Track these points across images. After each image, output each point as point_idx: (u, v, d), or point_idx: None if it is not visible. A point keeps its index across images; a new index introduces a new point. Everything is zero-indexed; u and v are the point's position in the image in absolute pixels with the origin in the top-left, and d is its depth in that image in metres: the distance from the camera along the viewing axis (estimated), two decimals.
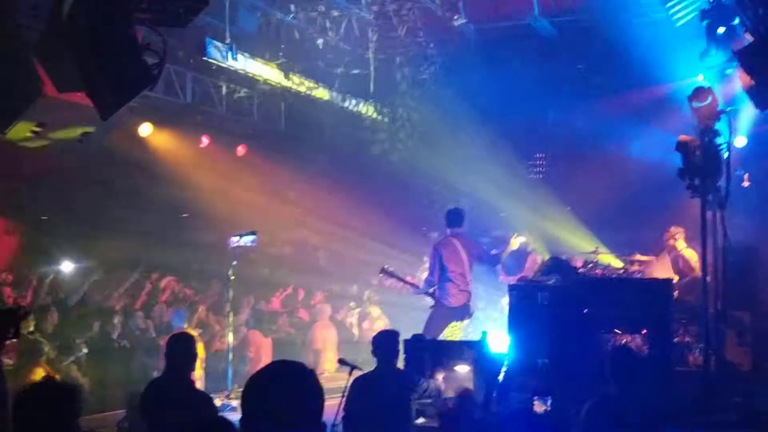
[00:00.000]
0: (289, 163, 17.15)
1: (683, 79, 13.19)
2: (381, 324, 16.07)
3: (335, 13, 15.52)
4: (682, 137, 10.29)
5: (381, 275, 13.13)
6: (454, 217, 12.65)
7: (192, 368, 7.28)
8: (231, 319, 12.92)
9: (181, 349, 7.07)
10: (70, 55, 7.30)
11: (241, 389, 6.88)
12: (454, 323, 12.30)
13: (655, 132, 14.35)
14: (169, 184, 16.13)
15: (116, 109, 7.02)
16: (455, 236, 12.52)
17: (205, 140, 16.29)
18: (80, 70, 7.11)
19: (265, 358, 14.24)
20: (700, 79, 12.47)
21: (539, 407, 9.32)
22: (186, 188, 16.34)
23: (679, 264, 12.53)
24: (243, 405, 3.17)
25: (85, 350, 11.92)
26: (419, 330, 11.29)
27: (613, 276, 12.14)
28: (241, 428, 3.17)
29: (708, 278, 10.37)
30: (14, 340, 4.44)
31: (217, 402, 9.24)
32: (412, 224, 18.37)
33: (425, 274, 13.06)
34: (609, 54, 15.07)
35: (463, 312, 12.48)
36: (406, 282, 13.06)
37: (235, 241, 13.19)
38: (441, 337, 11.87)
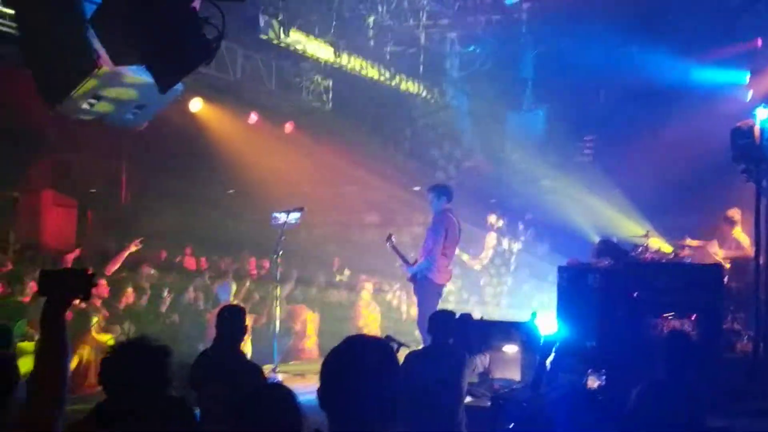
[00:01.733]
0: (337, 140, 17.17)
1: (741, 63, 12.99)
2: None
3: None
4: (739, 122, 10.16)
5: (387, 242, 12.95)
6: (449, 193, 12.34)
7: (241, 340, 7.34)
8: (277, 292, 12.97)
9: (232, 322, 7.12)
10: (128, 27, 7.33)
11: (285, 363, 6.95)
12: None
13: (710, 115, 14.16)
14: (218, 159, 16.24)
15: (174, 82, 7.05)
16: (451, 212, 12.31)
17: (253, 117, 16.35)
18: (138, 42, 7.14)
19: (311, 333, 14.33)
20: (759, 44, 12.27)
21: (593, 383, 9.30)
22: (234, 164, 16.44)
23: (732, 248, 12.37)
24: (323, 378, 3.17)
25: (133, 330, 12.04)
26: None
27: (664, 260, 12.04)
28: (318, 401, 3.16)
29: (761, 264, 10.24)
30: (83, 301, 4.43)
31: None
32: (459, 203, 18.29)
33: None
34: (663, 33, 14.88)
35: (441, 290, 12.36)
36: (401, 256, 12.82)
37: (280, 217, 13.22)
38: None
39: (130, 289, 12.52)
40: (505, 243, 16.08)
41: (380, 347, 3.26)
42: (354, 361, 3.17)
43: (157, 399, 4.18)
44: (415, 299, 12.71)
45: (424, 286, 12.00)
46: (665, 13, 14.67)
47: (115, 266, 13.19)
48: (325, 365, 3.20)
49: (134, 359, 4.45)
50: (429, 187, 12.63)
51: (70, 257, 12.56)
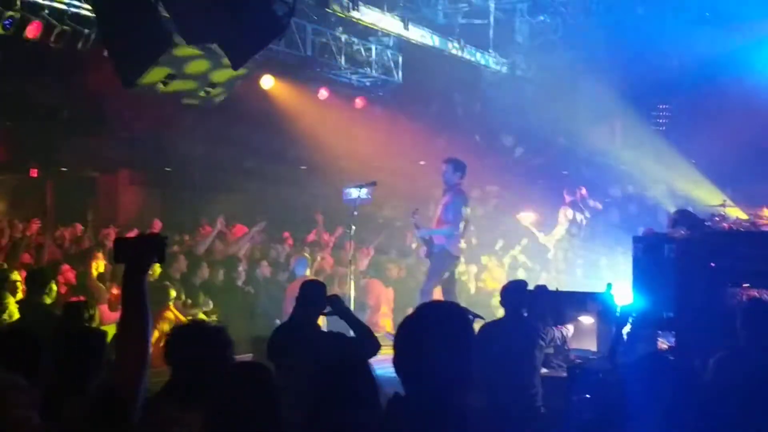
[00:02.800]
0: (408, 114, 17.16)
1: None
2: (496, 278, 16.02)
3: None
4: None
5: (412, 217, 13.02)
6: (464, 168, 12.41)
7: (319, 314, 7.42)
8: (352, 268, 13.05)
9: (313, 296, 7.21)
10: (199, 6, 7.44)
11: None
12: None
13: None
14: (289, 136, 16.36)
15: (248, 58, 7.16)
16: (464, 186, 12.48)
17: (324, 92, 16.41)
18: (210, 20, 7.24)
19: (385, 307, 14.38)
20: None
21: (663, 344, 9.22)
22: (305, 140, 16.55)
23: None
24: (396, 345, 3.17)
25: (211, 305, 12.23)
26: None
27: (742, 229, 11.80)
28: (394, 368, 3.16)
29: None
30: (158, 263, 4.54)
31: None
32: (532, 178, 18.22)
33: None
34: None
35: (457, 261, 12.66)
36: (420, 227, 12.87)
37: (351, 192, 13.28)
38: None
39: (205, 264, 12.70)
40: (578, 216, 15.93)
41: (453, 314, 3.24)
42: (427, 327, 3.15)
43: (221, 373, 4.27)
44: (484, 273, 12.73)
45: (443, 257, 12.24)
46: None
47: (205, 245, 13.47)
48: (398, 332, 3.20)
49: (192, 341, 4.57)
50: (446, 158, 12.63)
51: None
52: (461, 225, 12.28)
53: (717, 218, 11.95)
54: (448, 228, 12.26)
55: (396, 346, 3.17)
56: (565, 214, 15.54)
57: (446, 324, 3.15)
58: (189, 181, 18.31)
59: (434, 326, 3.14)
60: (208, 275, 12.62)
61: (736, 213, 12.47)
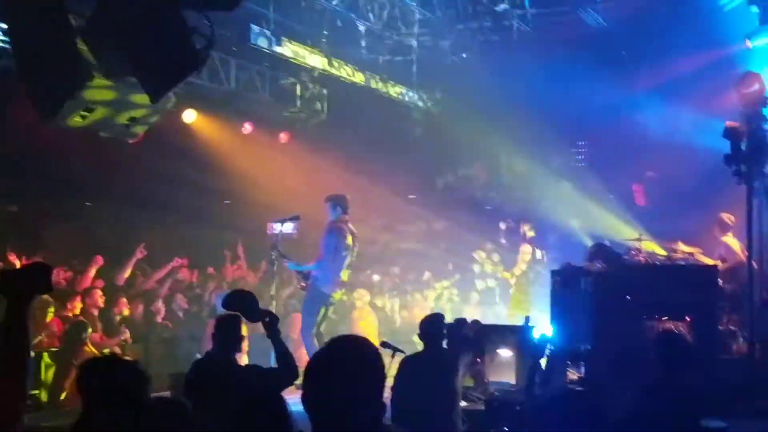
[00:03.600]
0: (332, 149, 17.19)
1: (731, 65, 13.03)
2: (422, 310, 16.09)
3: (377, 0, 15.52)
4: (729, 123, 10.22)
5: (271, 251, 13.11)
6: (344, 204, 12.68)
7: (237, 350, 7.37)
8: (273, 303, 12.99)
9: (227, 331, 7.16)
10: (118, 39, 7.39)
11: None
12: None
13: (700, 118, 14.22)
14: (213, 170, 16.26)
15: (165, 92, 7.12)
16: (344, 222, 12.65)
17: (248, 127, 16.37)
18: (128, 54, 7.20)
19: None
20: (749, 45, 12.36)
21: (572, 374, 9.34)
22: (229, 175, 16.47)
23: (722, 251, 12.39)
24: (304, 383, 3.10)
25: (127, 333, 12.06)
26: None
27: (657, 262, 12.07)
28: (304, 406, 3.09)
29: (754, 265, 10.29)
30: (46, 294, 4.46)
31: None
32: (454, 211, 18.38)
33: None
34: (655, 41, 14.97)
35: (328, 300, 12.72)
36: (287, 258, 12.99)
37: (275, 227, 13.27)
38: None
39: (124, 299, 12.53)
40: (538, 253, 16.04)
41: (361, 348, 3.18)
42: (334, 361, 3.10)
43: (133, 411, 4.20)
44: (407, 304, 12.82)
45: (311, 294, 12.50)
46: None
47: (124, 275, 13.27)
48: (307, 368, 3.13)
49: (105, 375, 4.49)
50: (326, 197, 12.90)
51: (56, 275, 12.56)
52: (339, 260, 12.43)
53: (633, 252, 12.20)
54: (314, 264, 12.49)
55: (304, 383, 3.11)
56: (525, 250, 15.63)
57: (351, 357, 3.11)
58: (111, 216, 18.04)
59: (340, 359, 3.10)
60: (127, 310, 12.45)
61: (651, 247, 12.73)
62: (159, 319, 12.92)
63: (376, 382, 3.14)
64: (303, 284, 12.84)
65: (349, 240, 12.62)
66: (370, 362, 3.14)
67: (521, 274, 15.65)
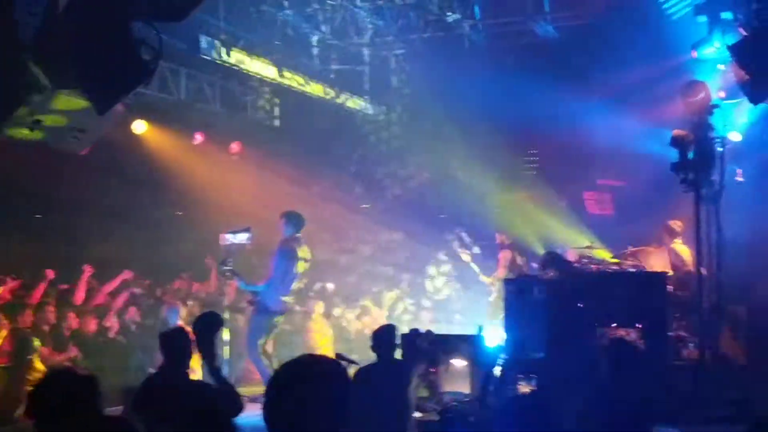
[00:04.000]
0: (284, 159, 17.12)
1: (677, 74, 13.20)
2: (376, 321, 16.07)
3: (329, 9, 15.52)
4: (676, 132, 10.36)
5: (222, 267, 13.01)
6: (297, 222, 12.51)
7: (187, 363, 7.26)
8: (227, 315, 12.90)
9: (176, 345, 7.06)
10: (66, 51, 7.30)
11: (237, 386, 6.83)
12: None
13: (649, 127, 14.38)
14: (163, 181, 16.11)
15: (113, 104, 7.04)
16: (296, 241, 12.45)
17: (198, 137, 16.26)
18: (76, 65, 7.11)
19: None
20: (694, 55, 12.55)
21: (524, 388, 9.38)
22: (181, 186, 16.32)
23: (672, 258, 12.53)
24: (267, 401, 3.07)
25: (75, 350, 11.91)
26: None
27: (609, 270, 12.16)
28: (265, 424, 3.06)
29: (703, 272, 10.42)
30: None
31: None
32: (405, 224, 18.39)
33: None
34: (605, 51, 15.13)
35: (275, 317, 12.57)
36: (239, 277, 12.90)
37: (228, 238, 13.16)
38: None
39: (72, 314, 12.36)
40: (519, 258, 16.07)
41: (328, 366, 3.17)
42: (299, 380, 3.08)
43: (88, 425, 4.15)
44: (362, 315, 12.77)
45: (258, 311, 12.31)
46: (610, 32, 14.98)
47: (81, 294, 13.10)
48: (269, 383, 3.11)
49: (60, 390, 4.42)
50: (282, 213, 12.74)
51: (4, 289, 12.39)
52: (288, 282, 12.31)
53: (585, 260, 12.29)
54: (263, 284, 12.37)
55: (266, 396, 3.08)
56: (505, 255, 15.65)
57: (318, 375, 3.10)
58: (61, 228, 17.79)
59: (307, 377, 3.09)
60: (78, 325, 12.28)
61: (603, 254, 12.83)
62: (112, 333, 12.75)
63: (339, 401, 3.10)
64: (250, 299, 12.71)
65: (300, 266, 12.44)
66: (334, 381, 3.11)
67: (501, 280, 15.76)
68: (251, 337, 12.26)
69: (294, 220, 12.46)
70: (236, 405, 6.60)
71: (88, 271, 13.27)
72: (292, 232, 12.38)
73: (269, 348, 12.50)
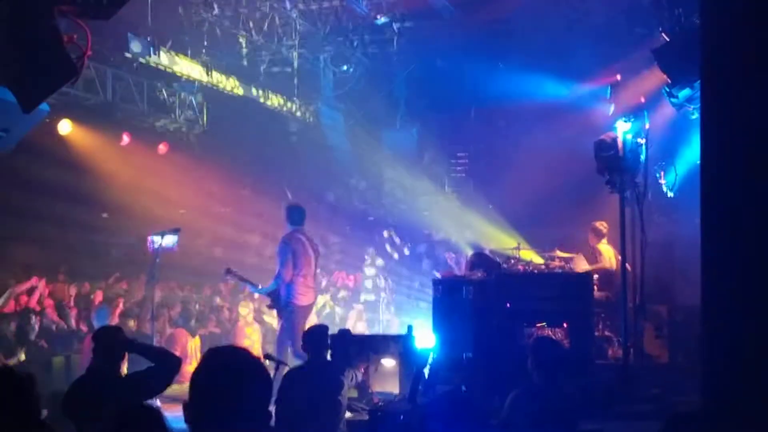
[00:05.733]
0: (212, 161, 17.02)
1: (601, 76, 13.45)
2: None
3: (258, 11, 15.47)
4: (603, 135, 10.53)
5: (226, 276, 12.85)
6: (299, 215, 12.09)
7: (119, 362, 7.17)
8: (154, 317, 12.77)
9: (108, 342, 6.96)
10: None
11: None
12: None
13: (576, 130, 14.62)
14: (89, 182, 15.89)
15: (38, 102, 6.90)
16: (301, 233, 12.04)
17: (125, 138, 16.06)
18: (1, 62, 6.97)
19: (191, 357, 14.12)
20: (618, 78, 12.75)
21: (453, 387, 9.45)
22: (106, 187, 16.11)
23: (596, 259, 12.75)
24: (190, 395, 3.04)
25: None
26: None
27: (535, 271, 12.34)
28: (188, 421, 3.04)
29: (627, 272, 10.62)
30: None
31: None
32: (336, 221, 18.43)
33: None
34: (528, 52, 15.34)
35: (310, 310, 12.31)
36: (247, 281, 12.76)
37: (155, 240, 12.99)
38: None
39: None
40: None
41: (243, 359, 3.14)
42: (216, 374, 3.06)
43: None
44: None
45: (290, 311, 11.73)
46: (532, 35, 15.16)
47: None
48: (191, 381, 3.08)
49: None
50: (286, 205, 12.47)
51: None
52: (301, 267, 11.74)
53: (512, 260, 12.46)
54: (273, 281, 11.88)
55: (189, 396, 3.05)
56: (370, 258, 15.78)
57: (237, 371, 3.07)
58: None
59: (225, 374, 3.06)
60: None
61: (529, 255, 13.01)
62: (33, 336, 12.53)
63: (260, 393, 3.10)
64: (269, 304, 12.35)
65: (308, 248, 11.93)
66: (253, 373, 3.10)
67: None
68: (280, 337, 11.84)
69: (292, 213, 12.19)
70: (172, 364, 6.62)
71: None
72: (292, 225, 12.09)
73: None
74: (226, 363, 3.10)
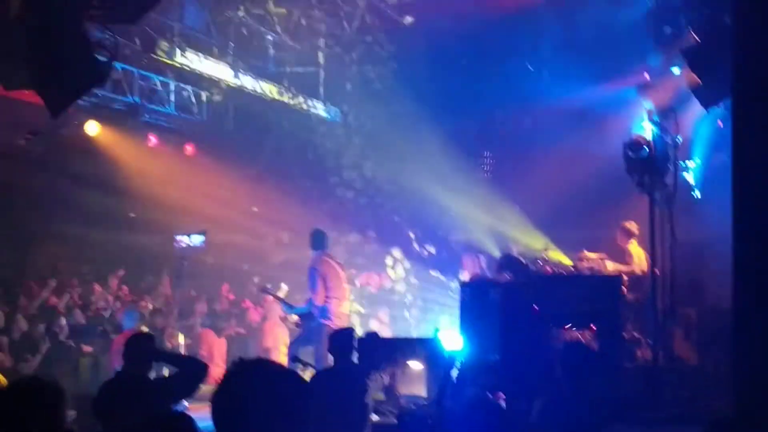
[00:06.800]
0: (238, 162, 17.03)
1: (628, 76, 13.35)
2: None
3: (284, 11, 15.48)
4: (633, 135, 10.45)
5: (262, 293, 13.06)
6: (322, 239, 12.48)
7: (150, 367, 7.22)
8: (188, 319, 12.84)
9: (139, 349, 7.00)
10: (18, 52, 7.19)
11: None
12: None
13: (603, 130, 14.52)
14: (117, 183, 15.96)
15: (66, 106, 6.94)
16: (329, 256, 12.46)
17: (152, 139, 16.11)
18: (29, 67, 7.01)
19: (218, 358, 14.16)
20: (647, 77, 12.66)
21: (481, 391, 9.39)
22: (134, 188, 16.17)
23: (626, 260, 12.66)
24: (215, 411, 2.86)
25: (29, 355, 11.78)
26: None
27: (563, 272, 12.26)
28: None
29: (656, 274, 10.53)
30: None
31: None
32: (359, 226, 18.42)
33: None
34: (557, 53, 15.26)
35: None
36: (282, 301, 12.95)
37: (183, 241, 13.07)
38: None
39: (20, 317, 12.20)
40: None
41: (278, 374, 2.96)
42: (247, 390, 2.85)
43: None
44: None
45: (320, 333, 11.81)
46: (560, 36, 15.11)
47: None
48: (215, 392, 2.89)
49: (23, 401, 4.33)
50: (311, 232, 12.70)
51: None
52: (330, 290, 12.09)
53: (540, 262, 12.38)
54: (306, 304, 12.24)
55: (213, 408, 2.88)
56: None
57: (267, 385, 2.88)
58: (12, 230, 17.56)
59: (253, 388, 2.86)
60: (27, 328, 12.13)
61: (558, 257, 12.93)
62: (62, 337, 12.60)
63: (303, 403, 2.90)
64: (297, 322, 12.57)
65: (338, 271, 12.39)
66: (291, 384, 2.93)
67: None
68: (295, 343, 12.04)
69: (315, 238, 12.41)
70: (199, 371, 6.64)
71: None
72: (317, 250, 12.29)
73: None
74: (256, 378, 2.88)
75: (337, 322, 11.93)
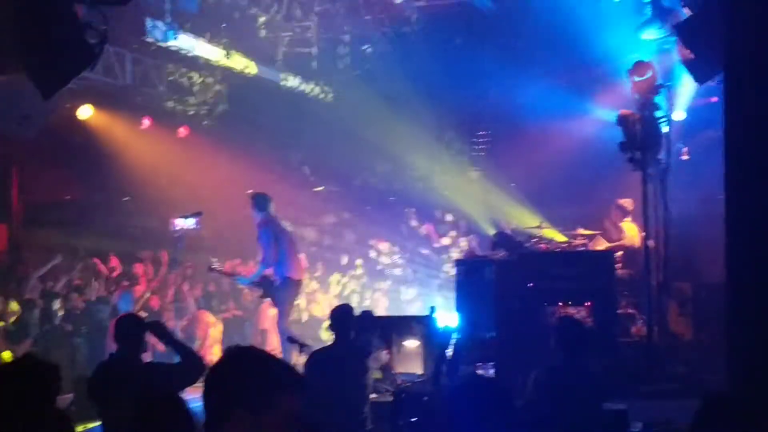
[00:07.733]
0: (232, 143, 17.00)
1: (622, 54, 13.31)
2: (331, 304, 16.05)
3: None
4: (623, 111, 10.47)
5: (210, 273, 13.06)
6: (266, 202, 12.31)
7: (143, 349, 7.22)
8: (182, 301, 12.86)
9: (127, 331, 7.01)
10: (8, 35, 7.17)
11: None
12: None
13: (596, 107, 14.53)
14: (111, 166, 15.94)
15: (58, 88, 6.93)
16: (272, 217, 12.33)
17: (146, 122, 16.08)
18: (20, 49, 6.99)
19: (213, 340, 14.16)
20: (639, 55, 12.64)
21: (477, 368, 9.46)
22: (127, 171, 16.15)
23: (620, 236, 12.69)
24: (206, 395, 2.90)
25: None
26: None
27: (557, 249, 12.29)
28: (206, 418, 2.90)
29: (650, 250, 10.56)
30: None
31: None
32: (357, 203, 18.43)
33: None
34: (549, 30, 15.21)
35: (300, 287, 12.63)
36: (233, 275, 12.96)
37: (178, 223, 13.08)
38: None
39: (14, 303, 12.20)
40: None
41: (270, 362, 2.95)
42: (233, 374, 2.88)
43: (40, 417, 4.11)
44: (313, 300, 12.67)
45: (286, 286, 11.95)
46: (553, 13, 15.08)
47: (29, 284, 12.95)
48: (207, 377, 2.93)
49: (20, 378, 4.36)
50: (251, 195, 12.63)
51: None
52: (285, 246, 12.07)
53: (534, 240, 12.41)
54: (260, 267, 12.14)
55: (205, 392, 2.91)
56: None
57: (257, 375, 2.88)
58: (3, 213, 17.56)
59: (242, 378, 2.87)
60: (22, 313, 12.13)
61: (552, 234, 12.95)
62: (57, 321, 12.60)
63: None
64: (261, 294, 12.51)
65: (285, 229, 12.44)
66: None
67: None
68: (282, 320, 12.02)
69: (259, 201, 12.29)
70: (197, 367, 6.63)
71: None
72: (261, 212, 12.20)
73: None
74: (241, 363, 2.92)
75: (297, 273, 12.07)
